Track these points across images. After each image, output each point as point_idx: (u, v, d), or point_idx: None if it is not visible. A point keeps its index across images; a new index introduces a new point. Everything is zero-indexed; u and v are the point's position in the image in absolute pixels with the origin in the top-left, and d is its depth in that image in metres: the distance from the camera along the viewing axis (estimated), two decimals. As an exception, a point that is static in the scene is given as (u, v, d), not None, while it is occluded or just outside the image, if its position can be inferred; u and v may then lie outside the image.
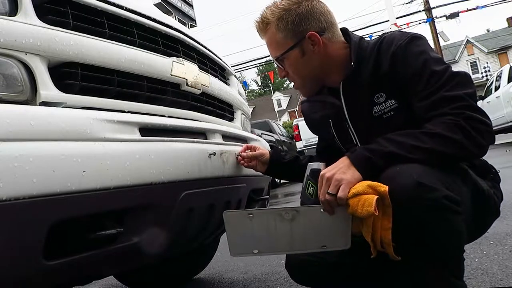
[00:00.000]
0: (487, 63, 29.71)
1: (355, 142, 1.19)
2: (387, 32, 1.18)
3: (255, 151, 1.40)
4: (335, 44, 1.16)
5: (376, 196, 0.89)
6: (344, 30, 1.20)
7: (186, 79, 1.29)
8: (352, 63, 1.12)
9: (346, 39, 1.18)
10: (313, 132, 1.40)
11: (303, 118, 1.40)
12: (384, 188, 0.89)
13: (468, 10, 13.58)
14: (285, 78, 1.23)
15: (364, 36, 1.21)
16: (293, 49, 1.13)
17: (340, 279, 1.18)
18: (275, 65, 1.22)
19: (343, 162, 0.99)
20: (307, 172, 1.06)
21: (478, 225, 1.07)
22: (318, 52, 1.13)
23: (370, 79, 1.10)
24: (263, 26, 1.16)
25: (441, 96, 0.99)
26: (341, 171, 0.96)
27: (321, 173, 0.99)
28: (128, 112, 1.05)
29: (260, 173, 1.56)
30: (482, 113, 0.97)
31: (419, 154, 0.93)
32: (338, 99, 1.17)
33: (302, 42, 1.12)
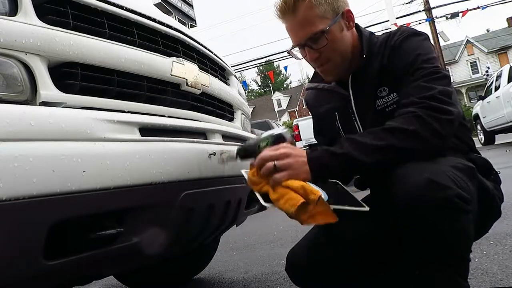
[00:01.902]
0: (487, 62, 29.73)
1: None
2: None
3: None
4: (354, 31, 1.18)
5: (302, 200, 0.91)
6: (355, 25, 1.21)
7: (186, 79, 1.29)
8: (364, 55, 1.14)
9: (357, 33, 1.20)
10: (316, 128, 1.40)
11: (306, 106, 1.40)
12: (315, 197, 0.91)
13: (468, 11, 13.58)
14: (315, 61, 1.16)
15: None
16: (335, 23, 1.12)
17: (341, 281, 1.18)
18: (305, 47, 1.13)
19: (303, 157, 1.01)
20: (275, 131, 1.09)
21: (481, 225, 1.08)
22: (351, 29, 1.16)
23: (376, 73, 1.13)
24: (296, 3, 1.10)
25: (415, 85, 1.03)
26: (297, 162, 0.99)
27: (282, 145, 1.03)
28: (128, 112, 1.05)
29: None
30: (446, 102, 0.99)
31: (377, 154, 0.96)
32: (346, 91, 1.19)
33: (339, 17, 1.13)
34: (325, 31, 1.10)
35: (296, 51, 1.18)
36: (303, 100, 1.60)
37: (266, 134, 1.09)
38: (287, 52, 1.22)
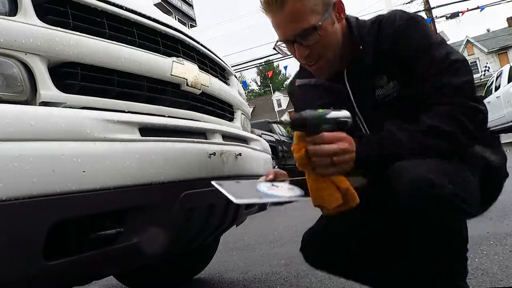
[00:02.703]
0: (487, 62, 29.73)
1: (361, 127, 1.16)
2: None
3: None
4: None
5: (341, 202, 0.94)
6: None
7: (186, 79, 1.28)
8: (361, 47, 1.08)
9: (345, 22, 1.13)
10: None
11: (291, 101, 1.33)
12: (354, 204, 0.95)
13: (468, 10, 13.58)
14: (306, 58, 1.09)
15: None
16: (328, 17, 1.04)
17: (352, 265, 1.17)
18: (294, 43, 1.06)
19: (353, 153, 0.97)
20: (340, 115, 0.97)
21: (489, 199, 1.08)
22: (342, 21, 1.09)
23: (371, 62, 1.08)
24: None
25: (440, 84, 0.99)
26: (350, 158, 0.96)
27: (343, 136, 0.95)
28: (128, 112, 1.05)
29: (260, 173, 1.55)
30: (478, 101, 0.98)
31: (415, 153, 0.95)
32: (342, 84, 1.14)
33: (331, 10, 1.05)
34: (316, 26, 1.02)
35: (283, 46, 1.11)
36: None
37: (331, 115, 0.96)
38: (273, 48, 1.14)
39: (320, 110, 0.95)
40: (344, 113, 0.98)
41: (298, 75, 1.29)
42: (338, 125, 0.96)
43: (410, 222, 0.92)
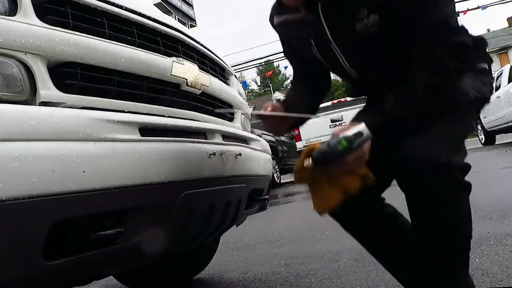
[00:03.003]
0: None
1: (342, 62, 1.13)
2: None
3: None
4: None
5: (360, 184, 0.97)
6: None
7: (186, 79, 1.28)
8: None
9: None
10: (289, 58, 1.34)
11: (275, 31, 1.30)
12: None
13: (468, 10, 13.59)
14: None
15: None
16: None
17: (363, 225, 1.17)
18: None
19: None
20: (364, 137, 0.93)
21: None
22: None
23: None
24: None
25: (426, 19, 0.97)
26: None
27: (365, 154, 0.94)
28: (128, 112, 1.05)
29: (260, 173, 1.55)
30: (461, 31, 1.00)
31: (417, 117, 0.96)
32: (317, 18, 1.09)
33: None
34: None
35: None
36: (273, 26, 1.29)
37: (356, 143, 0.93)
38: None
39: (343, 142, 0.91)
40: (366, 134, 0.94)
41: (276, 9, 1.24)
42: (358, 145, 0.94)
43: (414, 205, 0.94)
